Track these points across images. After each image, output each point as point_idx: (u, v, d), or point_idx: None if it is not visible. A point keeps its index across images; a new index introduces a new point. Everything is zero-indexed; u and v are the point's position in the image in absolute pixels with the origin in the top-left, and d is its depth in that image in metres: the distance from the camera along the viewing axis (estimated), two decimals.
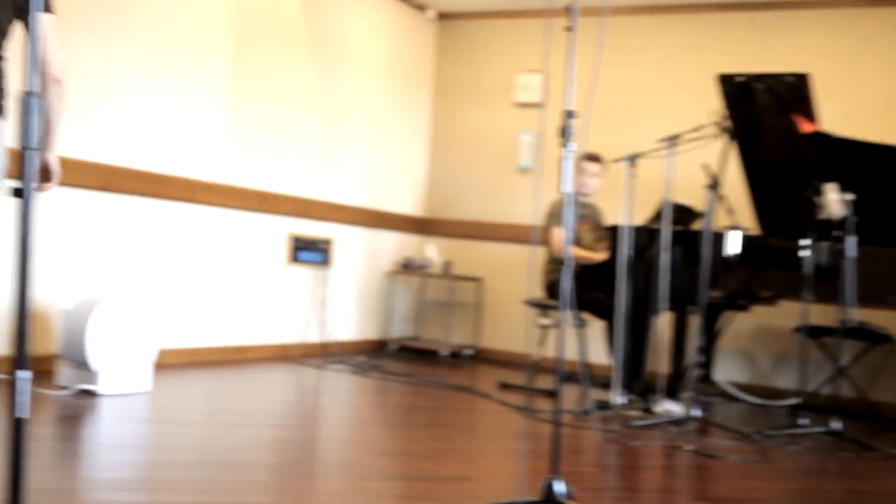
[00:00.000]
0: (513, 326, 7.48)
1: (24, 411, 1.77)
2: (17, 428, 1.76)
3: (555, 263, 5.84)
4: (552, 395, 5.60)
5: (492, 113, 7.70)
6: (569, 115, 2.88)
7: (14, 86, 3.01)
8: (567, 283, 2.97)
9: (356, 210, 7.09)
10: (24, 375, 1.77)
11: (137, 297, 4.54)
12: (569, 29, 2.89)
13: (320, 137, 6.70)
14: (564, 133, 2.88)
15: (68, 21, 4.78)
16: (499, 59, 7.71)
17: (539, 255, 7.35)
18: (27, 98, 1.81)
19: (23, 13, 2.84)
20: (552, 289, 5.84)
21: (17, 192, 1.80)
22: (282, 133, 6.33)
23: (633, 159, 5.26)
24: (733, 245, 5.13)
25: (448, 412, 4.72)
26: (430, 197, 7.96)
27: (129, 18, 5.19)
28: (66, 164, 4.79)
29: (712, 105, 5.45)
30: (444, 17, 7.93)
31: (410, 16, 7.65)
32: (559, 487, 2.76)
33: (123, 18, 5.14)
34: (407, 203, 7.76)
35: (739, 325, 6.51)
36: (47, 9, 2.87)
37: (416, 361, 6.79)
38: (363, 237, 7.22)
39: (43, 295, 4.81)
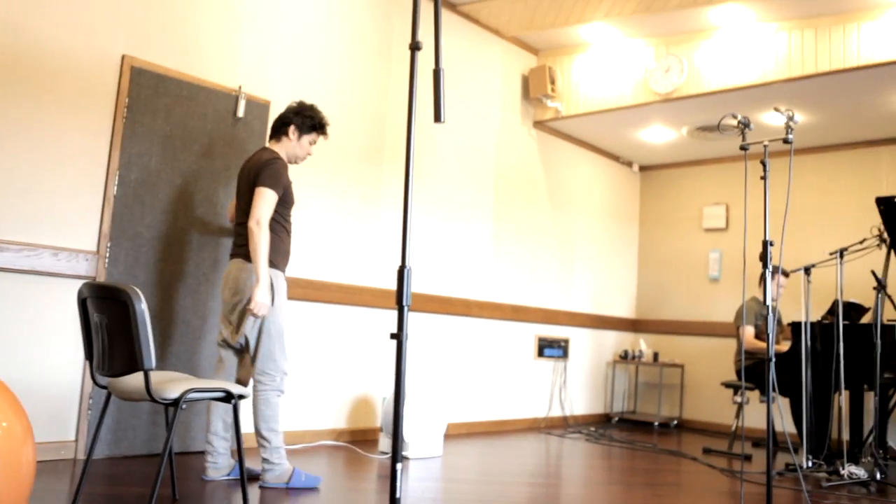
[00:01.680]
0: (709, 402, 7.09)
1: (398, 492, 1.82)
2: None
3: (743, 353, 5.54)
4: (747, 458, 5.26)
5: (685, 237, 7.51)
6: (767, 244, 2.77)
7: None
8: (770, 370, 2.81)
9: (585, 315, 7.02)
10: (398, 467, 1.82)
11: (434, 386, 4.66)
12: (762, 178, 2.82)
13: (557, 263, 6.73)
14: (763, 258, 2.77)
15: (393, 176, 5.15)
16: (688, 196, 7.54)
17: (729, 346, 7.01)
18: (402, 269, 1.77)
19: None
20: (742, 373, 5.52)
21: (393, 336, 1.78)
22: (530, 261, 6.40)
23: (808, 269, 4.96)
24: None
25: (664, 473, 4.49)
26: (640, 303, 7.78)
27: (427, 172, 5.54)
28: (380, 292, 5.07)
29: (873, 222, 5.04)
30: (644, 168, 7.88)
31: (620, 170, 7.64)
32: None
33: (421, 173, 5.50)
34: (623, 308, 7.62)
35: None
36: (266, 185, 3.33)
37: (633, 430, 6.56)
38: (590, 336, 7.13)
39: (370, 385, 5.07)
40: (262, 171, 3.33)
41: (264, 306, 3.26)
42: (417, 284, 5.40)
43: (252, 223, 3.26)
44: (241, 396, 2.73)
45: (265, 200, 3.30)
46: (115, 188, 3.81)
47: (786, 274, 5.52)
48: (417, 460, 4.37)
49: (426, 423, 4.56)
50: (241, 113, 4.26)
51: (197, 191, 4.09)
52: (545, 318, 6.52)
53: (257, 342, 3.33)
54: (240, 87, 4.28)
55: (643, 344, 7.29)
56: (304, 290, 4.63)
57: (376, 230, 5.11)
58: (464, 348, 5.77)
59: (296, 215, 4.65)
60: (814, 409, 4.93)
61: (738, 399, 5.69)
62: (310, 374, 4.72)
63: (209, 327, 4.09)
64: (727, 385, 5.75)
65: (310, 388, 4.72)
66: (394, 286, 5.17)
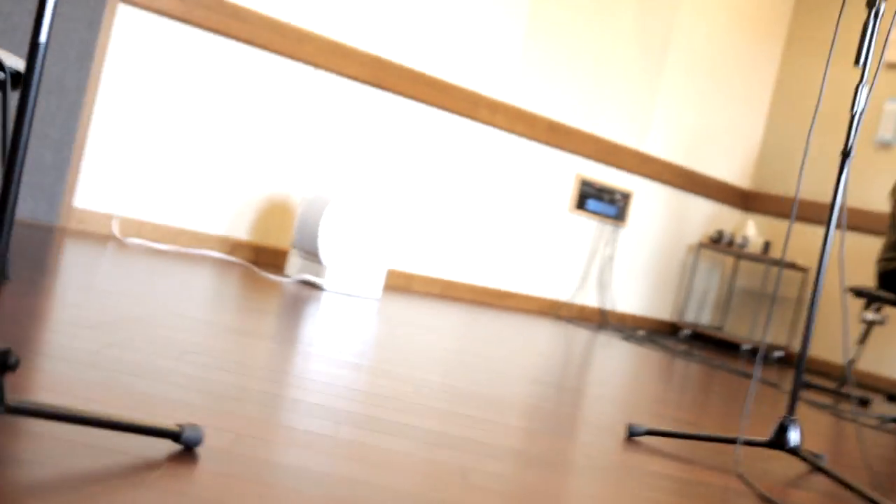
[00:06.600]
0: (837, 330, 7.00)
1: None
2: None
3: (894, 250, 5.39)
4: (863, 403, 5.24)
5: (850, 74, 7.31)
6: None
7: None
8: None
9: (666, 165, 6.99)
10: None
11: (384, 201, 4.63)
12: None
13: (633, 73, 6.66)
14: None
15: None
16: None
17: (877, 242, 6.88)
18: None
19: None
20: (887, 278, 5.39)
21: None
22: (587, 59, 6.34)
23: None
24: None
25: (717, 387, 4.44)
26: (761, 166, 7.74)
27: None
28: (336, 49, 5.02)
29: None
30: None
31: None
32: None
33: None
34: (730, 169, 7.58)
35: None
36: None
37: (710, 352, 6.51)
38: (669, 198, 7.13)
39: (289, 183, 5.10)
40: None
41: None
42: (389, 49, 5.34)
43: None
44: None
45: None
46: None
47: None
48: (337, 295, 4.40)
49: (359, 249, 4.60)
50: None
51: None
52: (598, 153, 6.49)
53: None
54: None
55: (752, 228, 7.26)
56: None
57: None
58: (455, 166, 5.79)
59: None
60: None
61: (871, 316, 5.62)
62: (190, 144, 4.75)
63: None
64: (858, 293, 5.64)
65: (189, 167, 4.76)
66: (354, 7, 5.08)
